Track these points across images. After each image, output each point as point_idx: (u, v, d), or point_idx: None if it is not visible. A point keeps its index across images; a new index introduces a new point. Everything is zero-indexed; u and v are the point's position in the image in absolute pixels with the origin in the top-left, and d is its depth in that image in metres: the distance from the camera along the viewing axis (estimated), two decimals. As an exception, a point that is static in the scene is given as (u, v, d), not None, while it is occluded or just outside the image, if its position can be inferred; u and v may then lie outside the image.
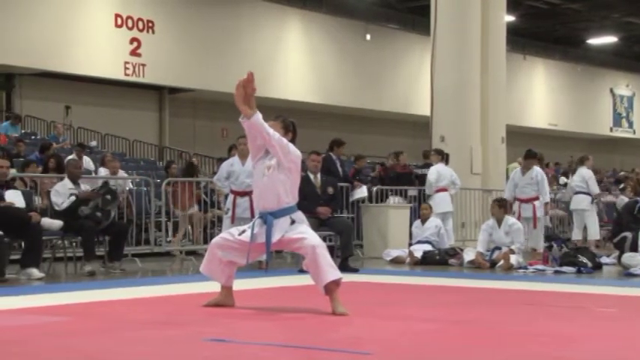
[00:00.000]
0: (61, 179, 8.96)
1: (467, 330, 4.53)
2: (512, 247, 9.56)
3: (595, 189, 12.25)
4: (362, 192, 11.78)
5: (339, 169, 11.47)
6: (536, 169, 10.87)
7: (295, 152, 5.22)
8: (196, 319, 5.00)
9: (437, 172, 11.71)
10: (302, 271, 8.77)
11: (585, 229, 12.31)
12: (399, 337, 4.29)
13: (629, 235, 9.63)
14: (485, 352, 3.94)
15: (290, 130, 5.34)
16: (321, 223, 9.17)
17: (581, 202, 11.99)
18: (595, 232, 12.16)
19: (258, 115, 5.06)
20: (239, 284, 7.44)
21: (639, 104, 32.31)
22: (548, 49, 28.59)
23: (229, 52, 20.61)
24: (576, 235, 12.20)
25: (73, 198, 8.52)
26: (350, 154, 16.79)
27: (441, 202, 11.54)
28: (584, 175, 12.14)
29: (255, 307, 5.64)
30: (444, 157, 11.84)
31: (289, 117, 5.48)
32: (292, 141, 5.35)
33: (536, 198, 10.67)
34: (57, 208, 8.53)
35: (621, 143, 32.02)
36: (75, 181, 8.77)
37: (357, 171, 13.21)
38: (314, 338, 4.22)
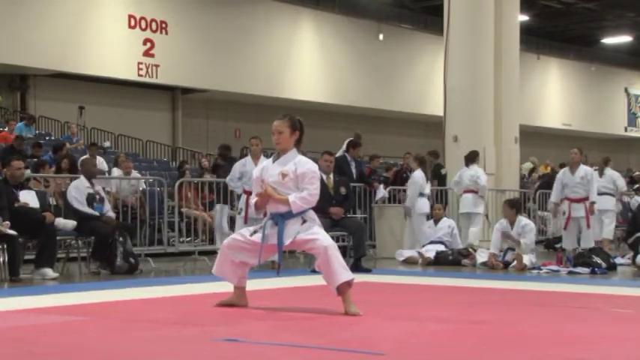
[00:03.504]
0: (74, 179, 8.99)
1: (480, 331, 4.51)
2: (521, 240, 9.49)
3: (624, 186, 12.26)
4: (381, 192, 11.87)
5: (353, 170, 11.47)
6: (586, 168, 10.72)
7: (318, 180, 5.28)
8: (208, 319, 5.01)
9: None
10: (314, 272, 8.78)
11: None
12: (412, 338, 4.28)
13: (643, 235, 9.54)
14: (499, 354, 3.92)
15: (297, 129, 5.30)
16: (333, 224, 9.16)
17: (606, 203, 11.94)
18: (610, 232, 12.08)
19: (293, 199, 5.15)
20: (251, 284, 7.44)
21: (654, 104, 32.12)
22: (562, 48, 28.44)
23: (242, 52, 20.64)
24: (597, 236, 12.12)
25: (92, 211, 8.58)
26: (363, 154, 16.78)
27: (462, 204, 11.55)
28: (612, 175, 12.10)
29: (267, 307, 5.64)
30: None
31: (296, 115, 5.43)
32: (300, 140, 5.33)
33: (587, 198, 10.43)
34: (78, 205, 8.53)
35: (636, 143, 31.79)
36: (90, 179, 8.81)
37: (372, 171, 13.19)
38: (326, 338, 4.22)
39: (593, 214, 10.53)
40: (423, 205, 11.18)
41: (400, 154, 15.25)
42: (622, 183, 12.19)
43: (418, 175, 11.25)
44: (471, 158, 11.79)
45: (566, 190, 10.48)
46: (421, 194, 11.16)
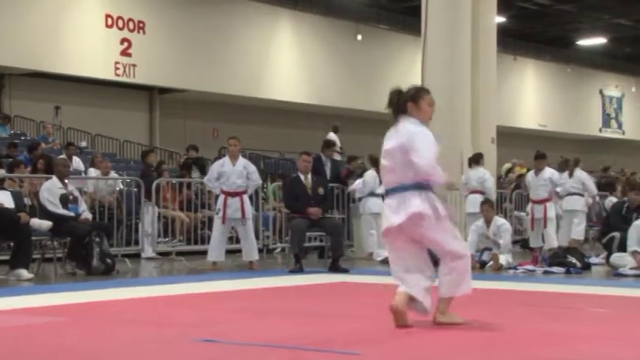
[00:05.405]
0: (49, 180, 8.92)
1: (459, 330, 4.53)
2: (499, 241, 9.59)
3: (594, 190, 12.43)
4: (356, 184, 11.97)
5: (328, 170, 11.51)
6: (549, 170, 10.90)
7: None
8: (187, 319, 4.99)
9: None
10: (292, 272, 8.82)
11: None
12: (389, 338, 4.29)
13: (617, 235, 9.67)
14: (477, 353, 3.95)
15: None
16: (312, 224, 9.17)
17: (575, 204, 12.08)
18: (580, 232, 12.21)
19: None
20: (230, 285, 7.44)
21: (628, 105, 32.42)
22: (538, 50, 28.66)
23: (220, 52, 20.57)
24: (568, 235, 12.25)
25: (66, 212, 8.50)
26: (345, 155, 16.83)
27: (470, 204, 11.63)
28: (581, 176, 12.24)
29: (245, 308, 5.64)
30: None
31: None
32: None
33: (548, 199, 10.70)
34: (51, 207, 8.47)
35: (610, 144, 32.14)
36: (62, 179, 8.74)
37: (349, 172, 13.25)
38: (304, 338, 4.22)
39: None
40: (373, 205, 11.27)
41: (379, 155, 15.29)
42: (591, 185, 12.34)
43: (370, 174, 11.38)
44: (476, 160, 11.99)
45: (530, 191, 10.86)
46: (374, 194, 11.27)
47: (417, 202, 4.55)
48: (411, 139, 4.67)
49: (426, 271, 4.68)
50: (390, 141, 4.81)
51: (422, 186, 4.60)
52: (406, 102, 4.85)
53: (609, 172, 20.83)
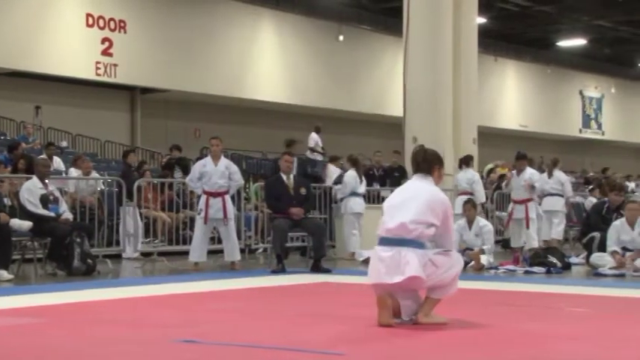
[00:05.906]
0: (30, 179, 8.85)
1: (441, 331, 4.55)
2: (484, 247, 9.63)
3: (571, 191, 12.52)
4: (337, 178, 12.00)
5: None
6: (529, 171, 10.99)
7: None
8: (167, 320, 4.97)
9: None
10: (274, 272, 8.82)
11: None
12: (373, 338, 4.30)
13: (597, 235, 9.75)
14: (459, 353, 3.97)
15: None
16: (294, 224, 9.17)
17: (555, 204, 12.18)
18: (560, 232, 12.32)
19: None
20: (211, 285, 7.42)
21: (608, 106, 32.71)
22: (519, 51, 28.85)
23: (202, 52, 20.52)
24: (546, 235, 12.36)
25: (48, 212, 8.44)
26: (326, 155, 16.87)
27: (459, 205, 11.67)
28: (560, 177, 12.33)
29: (227, 308, 5.63)
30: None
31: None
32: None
33: (530, 199, 10.81)
34: (31, 207, 8.40)
35: (590, 144, 32.41)
36: (43, 180, 8.68)
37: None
38: (286, 339, 4.23)
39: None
40: (355, 205, 11.31)
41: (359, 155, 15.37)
42: (569, 187, 12.45)
43: (350, 175, 11.43)
44: (466, 162, 12.06)
45: (512, 192, 10.97)
46: (355, 194, 11.31)
47: (414, 263, 4.54)
48: (446, 208, 4.87)
49: (417, 298, 4.73)
50: (416, 192, 4.84)
51: (421, 244, 4.64)
52: (434, 166, 5.01)
53: (607, 172, 21.05)
